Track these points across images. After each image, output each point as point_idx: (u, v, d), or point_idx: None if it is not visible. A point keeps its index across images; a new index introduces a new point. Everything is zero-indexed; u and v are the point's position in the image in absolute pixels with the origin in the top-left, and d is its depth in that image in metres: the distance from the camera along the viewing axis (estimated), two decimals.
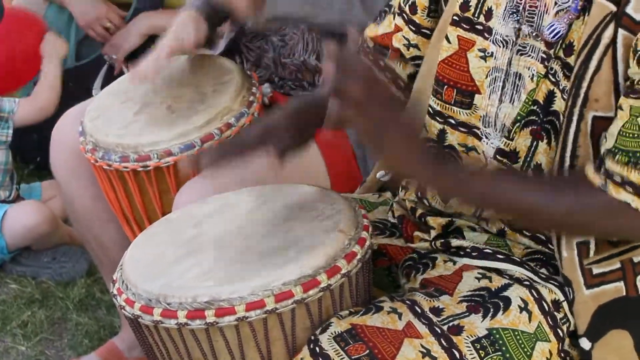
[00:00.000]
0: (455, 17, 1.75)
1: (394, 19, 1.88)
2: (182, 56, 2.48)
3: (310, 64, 2.47)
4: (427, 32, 1.82)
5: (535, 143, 1.65)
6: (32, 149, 3.56)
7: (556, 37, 1.62)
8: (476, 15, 1.72)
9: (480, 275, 1.68)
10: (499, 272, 1.68)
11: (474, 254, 1.71)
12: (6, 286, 3.12)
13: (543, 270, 1.68)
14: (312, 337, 1.57)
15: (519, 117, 1.67)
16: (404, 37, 1.86)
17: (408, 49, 1.87)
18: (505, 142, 1.68)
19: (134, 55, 3.37)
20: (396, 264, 1.84)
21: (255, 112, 2.34)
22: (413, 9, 1.83)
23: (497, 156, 1.69)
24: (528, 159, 1.67)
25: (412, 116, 1.61)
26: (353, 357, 1.51)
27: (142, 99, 2.38)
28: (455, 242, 1.73)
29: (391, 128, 1.53)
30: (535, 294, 1.64)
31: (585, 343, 1.64)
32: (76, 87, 3.36)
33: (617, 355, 1.65)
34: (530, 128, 1.66)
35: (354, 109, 1.51)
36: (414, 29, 1.84)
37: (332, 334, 1.55)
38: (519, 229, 1.71)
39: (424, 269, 1.75)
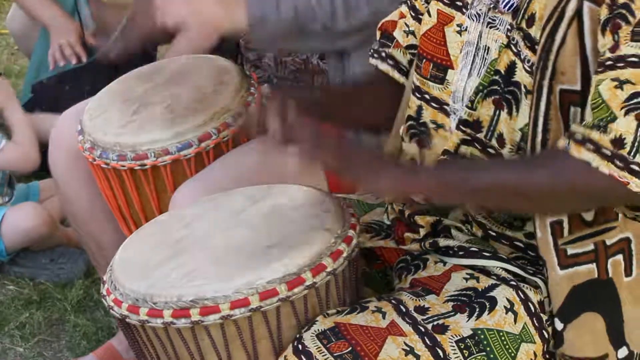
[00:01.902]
0: None
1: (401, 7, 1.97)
2: (181, 56, 2.56)
3: (312, 63, 2.53)
4: (422, 17, 1.89)
5: (497, 112, 1.72)
6: None
7: (507, 7, 1.70)
8: None
9: (468, 276, 1.74)
10: (486, 273, 1.74)
11: (460, 252, 1.77)
12: (4, 287, 3.18)
13: (530, 267, 1.74)
14: (297, 336, 1.63)
15: (481, 87, 1.73)
16: (405, 23, 1.94)
17: (407, 36, 1.94)
18: (469, 113, 1.75)
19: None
20: (391, 266, 1.91)
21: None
22: None
23: (461, 127, 1.76)
24: (491, 128, 1.73)
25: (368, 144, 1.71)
26: (335, 354, 1.57)
27: (140, 99, 2.45)
28: (443, 242, 1.80)
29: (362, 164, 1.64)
30: (521, 295, 1.70)
31: (557, 324, 1.70)
32: (72, 89, 3.46)
33: (589, 337, 1.71)
34: (492, 98, 1.72)
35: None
36: (413, 14, 1.92)
37: (315, 331, 1.62)
38: (500, 232, 1.78)
39: (415, 270, 1.82)
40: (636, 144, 1.53)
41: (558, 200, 1.63)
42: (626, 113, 1.53)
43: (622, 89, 1.54)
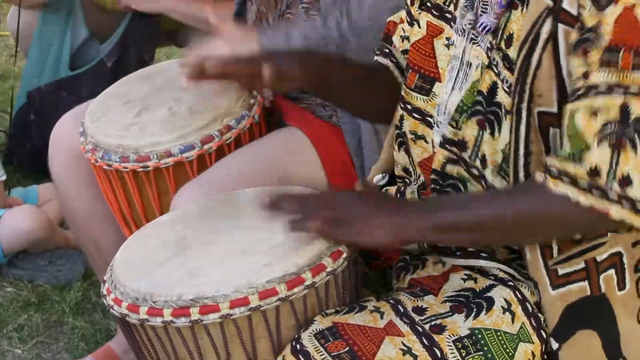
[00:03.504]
0: (428, 3, 1.87)
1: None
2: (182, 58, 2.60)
3: None
4: (415, 23, 1.93)
5: (481, 133, 1.75)
6: (26, 157, 3.72)
7: (483, 29, 1.74)
8: (446, 3, 1.84)
9: (466, 277, 1.78)
10: (484, 273, 1.78)
11: (458, 253, 1.81)
12: (2, 289, 3.22)
13: (525, 271, 1.77)
14: (296, 336, 1.66)
15: (465, 107, 1.77)
16: (402, 28, 1.98)
17: (402, 41, 1.98)
18: (453, 132, 1.79)
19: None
20: (390, 266, 1.95)
21: (256, 114, 2.44)
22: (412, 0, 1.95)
23: (447, 145, 1.80)
24: (476, 148, 1.76)
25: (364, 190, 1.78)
26: (332, 354, 1.60)
27: (143, 101, 2.49)
28: None
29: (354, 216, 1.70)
30: (519, 295, 1.74)
31: (553, 343, 1.73)
32: (71, 96, 3.49)
33: (585, 355, 1.74)
34: (476, 118, 1.76)
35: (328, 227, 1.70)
36: (409, 20, 1.95)
37: (313, 331, 1.65)
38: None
39: (414, 270, 1.85)
40: (611, 172, 1.57)
41: (545, 231, 1.69)
42: (600, 142, 1.57)
43: (595, 117, 1.58)
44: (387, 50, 2.03)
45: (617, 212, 1.58)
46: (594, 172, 1.57)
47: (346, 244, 1.73)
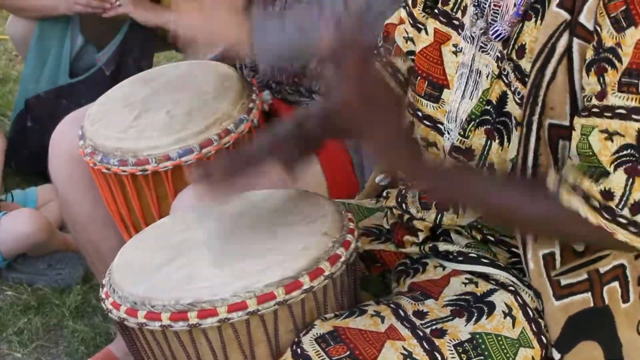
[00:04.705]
0: (436, 10, 1.86)
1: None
2: (182, 62, 2.59)
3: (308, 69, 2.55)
4: (421, 27, 1.91)
5: (489, 142, 1.74)
6: (25, 162, 3.71)
7: (496, 37, 1.72)
8: (454, 10, 1.83)
9: (467, 281, 1.77)
10: (485, 277, 1.77)
11: (460, 258, 1.80)
12: (2, 293, 3.22)
13: (526, 278, 1.76)
14: (296, 339, 1.65)
15: (473, 116, 1.76)
16: (405, 29, 1.97)
17: (406, 42, 1.97)
18: (461, 140, 1.78)
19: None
20: (390, 270, 1.94)
21: (255, 118, 2.44)
22: (414, 1, 1.94)
23: (453, 153, 1.79)
24: (483, 157, 1.75)
25: (402, 110, 1.70)
26: (334, 358, 1.60)
27: (141, 104, 2.49)
28: (442, 247, 1.82)
29: (380, 121, 1.62)
30: (520, 300, 1.73)
31: (555, 354, 1.72)
32: (70, 104, 3.45)
33: None
34: (484, 127, 1.74)
35: (348, 84, 1.60)
36: (411, 22, 1.94)
37: (314, 335, 1.64)
38: (497, 238, 1.81)
39: (414, 274, 1.85)
40: (624, 197, 1.56)
41: (551, 234, 1.70)
42: (616, 168, 1.56)
43: (612, 141, 1.56)
44: (383, 60, 2.00)
45: (623, 235, 1.58)
46: (607, 194, 1.57)
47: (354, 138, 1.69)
